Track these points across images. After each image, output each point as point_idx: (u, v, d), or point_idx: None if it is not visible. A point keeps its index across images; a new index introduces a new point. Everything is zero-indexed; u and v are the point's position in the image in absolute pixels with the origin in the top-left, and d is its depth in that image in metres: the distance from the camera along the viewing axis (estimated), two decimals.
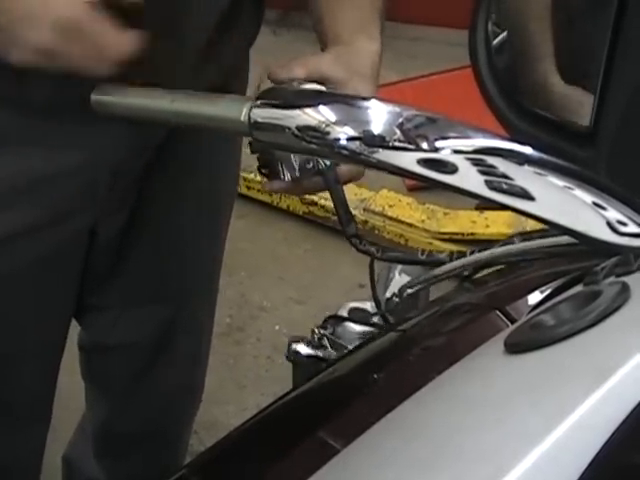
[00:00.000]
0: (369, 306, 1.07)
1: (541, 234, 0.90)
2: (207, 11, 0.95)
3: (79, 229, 1.06)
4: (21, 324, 1.08)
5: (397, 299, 1.02)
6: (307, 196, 2.72)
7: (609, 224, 0.61)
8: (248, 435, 0.82)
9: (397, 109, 0.64)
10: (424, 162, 0.62)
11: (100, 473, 1.40)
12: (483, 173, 0.61)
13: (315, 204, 2.71)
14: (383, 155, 0.64)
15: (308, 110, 0.68)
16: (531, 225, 0.83)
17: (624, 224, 0.62)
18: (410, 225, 2.62)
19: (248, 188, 2.78)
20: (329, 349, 1.03)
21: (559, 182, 0.61)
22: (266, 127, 0.71)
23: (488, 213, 2.57)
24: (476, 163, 0.61)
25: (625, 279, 0.66)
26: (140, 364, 1.26)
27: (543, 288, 0.88)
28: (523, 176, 0.61)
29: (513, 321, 0.83)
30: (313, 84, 0.86)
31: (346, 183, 0.92)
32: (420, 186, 2.70)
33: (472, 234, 2.54)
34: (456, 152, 0.61)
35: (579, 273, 0.76)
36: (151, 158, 1.06)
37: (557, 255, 0.91)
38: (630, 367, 0.55)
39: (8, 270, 1.01)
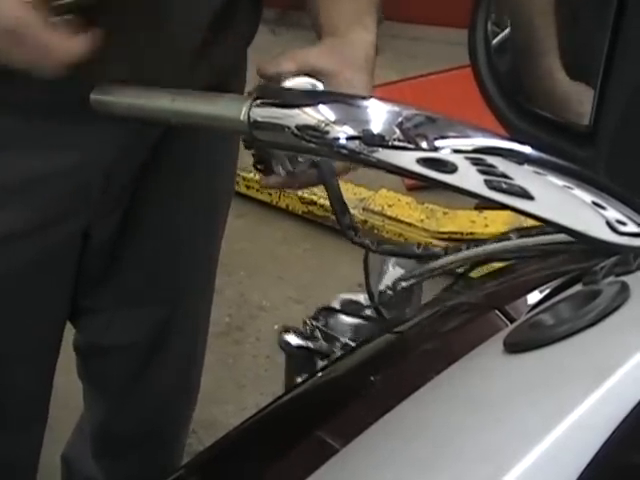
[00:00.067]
0: (362, 298, 1.06)
1: (538, 231, 0.90)
2: (197, 11, 0.95)
3: (72, 232, 1.05)
4: (14, 326, 1.07)
5: (391, 292, 1.02)
6: (306, 195, 2.73)
7: (608, 224, 0.61)
8: (247, 435, 0.82)
9: (397, 108, 0.64)
10: (423, 161, 0.62)
11: (99, 473, 1.40)
12: (482, 172, 0.61)
13: (314, 203, 2.71)
14: (383, 154, 0.64)
15: (308, 109, 0.68)
16: (529, 224, 0.83)
17: (623, 224, 0.62)
18: (409, 224, 2.62)
19: (247, 187, 2.78)
20: (321, 341, 1.03)
21: (558, 182, 0.61)
22: (266, 126, 0.71)
23: (487, 213, 2.57)
24: (475, 162, 0.61)
25: (624, 278, 0.66)
26: (135, 365, 1.26)
27: (542, 287, 0.88)
28: (522, 176, 0.61)
29: (512, 321, 0.83)
30: (304, 77, 0.85)
31: (341, 175, 0.92)
32: (419, 186, 2.70)
33: (471, 234, 2.54)
34: (456, 151, 0.61)
35: (578, 273, 0.76)
36: (146, 158, 1.06)
37: (554, 252, 0.91)
38: (629, 366, 0.55)
39: (1, 272, 1.01)
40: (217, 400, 2.05)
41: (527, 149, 0.61)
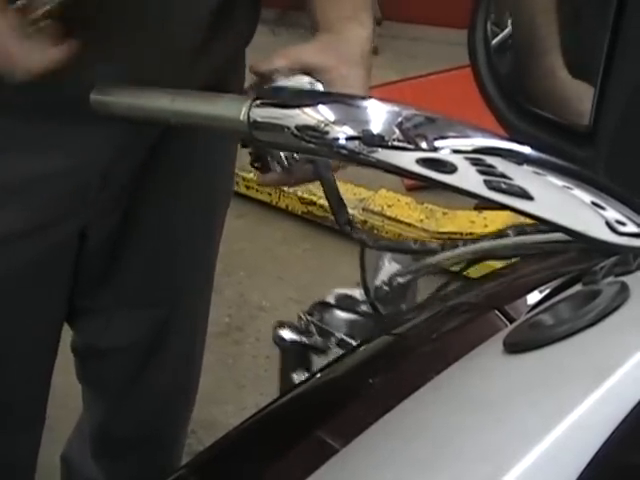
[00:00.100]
0: (357, 293, 1.06)
1: (535, 228, 0.90)
2: (197, 10, 0.95)
3: (70, 232, 1.05)
4: (12, 326, 1.07)
5: (387, 288, 1.02)
6: (306, 196, 2.73)
7: (608, 224, 0.61)
8: (247, 435, 0.82)
9: (396, 109, 0.64)
10: (423, 162, 0.62)
11: (98, 474, 1.40)
12: (482, 173, 0.61)
13: (314, 204, 2.71)
14: (382, 155, 0.64)
15: (307, 110, 0.68)
16: (528, 223, 0.83)
17: (623, 224, 0.62)
18: (409, 225, 2.62)
19: (247, 187, 2.78)
20: (315, 336, 1.02)
21: (558, 182, 0.61)
22: (265, 126, 0.71)
23: (487, 213, 2.56)
24: (475, 163, 0.61)
25: (624, 279, 0.66)
26: (134, 366, 1.26)
27: (542, 288, 0.88)
28: (522, 176, 0.61)
29: (512, 321, 0.83)
30: (299, 75, 0.86)
31: (336, 170, 0.92)
32: (419, 186, 2.70)
33: (471, 234, 2.54)
34: (455, 152, 0.61)
35: (578, 273, 0.76)
36: (145, 158, 1.06)
37: (552, 250, 0.91)
38: (629, 366, 0.55)
39: None
40: (217, 400, 2.06)
41: (526, 149, 0.61)
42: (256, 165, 0.88)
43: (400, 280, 1.01)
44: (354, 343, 1.00)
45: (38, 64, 0.78)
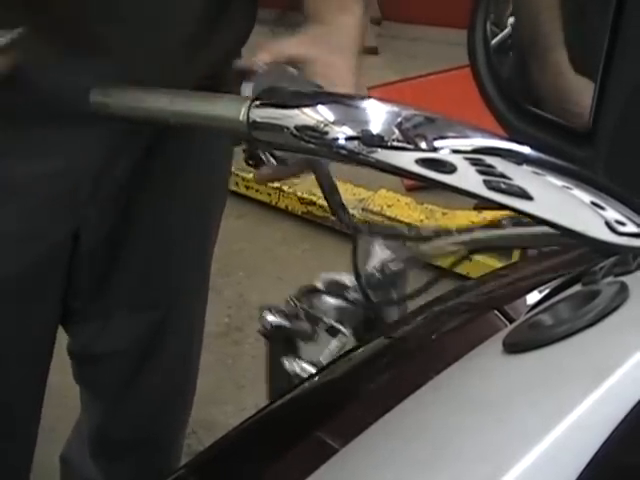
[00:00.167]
0: (347, 279, 1.04)
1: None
2: (195, 4, 0.95)
3: (64, 233, 1.05)
4: (5, 328, 1.07)
5: (378, 274, 1.01)
6: (306, 196, 2.72)
7: (607, 224, 0.61)
8: (246, 435, 0.82)
9: (396, 109, 0.64)
10: (423, 162, 0.62)
11: (97, 474, 1.40)
12: (482, 173, 0.61)
13: (314, 204, 2.71)
14: (382, 155, 0.64)
15: (307, 110, 0.68)
16: None
17: (622, 224, 0.62)
18: (408, 225, 2.63)
19: (247, 188, 2.78)
20: (303, 321, 1.01)
21: (557, 182, 0.61)
22: (265, 127, 0.71)
23: (486, 213, 2.56)
24: (475, 163, 0.61)
25: (624, 279, 0.66)
26: (130, 369, 1.25)
27: (541, 288, 0.88)
28: (521, 176, 0.61)
29: (511, 321, 0.83)
30: (284, 66, 0.86)
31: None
32: (418, 186, 2.70)
33: None
34: (455, 152, 0.61)
35: (578, 273, 0.76)
36: (141, 159, 1.06)
37: (546, 243, 0.91)
38: (629, 366, 0.55)
39: None
40: (216, 400, 2.06)
41: (526, 149, 0.61)
42: (250, 162, 0.88)
43: (392, 267, 1.00)
44: (342, 329, 0.99)
45: None
